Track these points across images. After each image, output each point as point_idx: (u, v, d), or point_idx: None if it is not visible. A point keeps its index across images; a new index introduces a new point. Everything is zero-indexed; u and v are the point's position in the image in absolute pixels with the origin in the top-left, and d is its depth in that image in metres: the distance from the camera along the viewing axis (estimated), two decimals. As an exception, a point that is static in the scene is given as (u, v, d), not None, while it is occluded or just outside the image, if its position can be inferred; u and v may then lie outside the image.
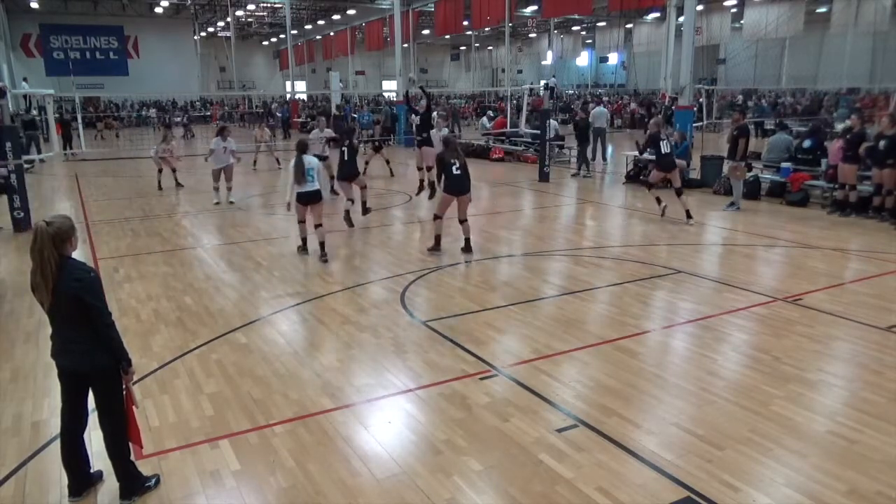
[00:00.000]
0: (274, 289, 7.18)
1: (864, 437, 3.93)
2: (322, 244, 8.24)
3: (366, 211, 10.66)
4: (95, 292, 3.18)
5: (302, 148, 8.19)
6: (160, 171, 14.48)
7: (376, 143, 17.27)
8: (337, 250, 8.89)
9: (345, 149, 10.02)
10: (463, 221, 8.38)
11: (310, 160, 8.08)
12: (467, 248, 8.40)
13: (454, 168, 8.09)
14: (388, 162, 16.08)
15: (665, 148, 10.24)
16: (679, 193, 10.24)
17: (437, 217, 8.38)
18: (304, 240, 8.58)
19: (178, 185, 14.53)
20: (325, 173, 13.25)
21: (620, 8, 23.16)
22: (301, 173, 7.95)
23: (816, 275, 7.38)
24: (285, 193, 8.77)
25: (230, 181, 12.64)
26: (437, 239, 8.45)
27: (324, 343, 5.61)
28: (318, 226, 8.24)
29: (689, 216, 10.13)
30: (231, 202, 12.49)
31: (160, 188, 14.23)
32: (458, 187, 8.17)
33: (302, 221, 8.44)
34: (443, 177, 8.18)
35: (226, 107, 41.01)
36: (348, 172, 9.98)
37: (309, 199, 8.15)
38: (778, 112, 27.89)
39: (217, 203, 12.40)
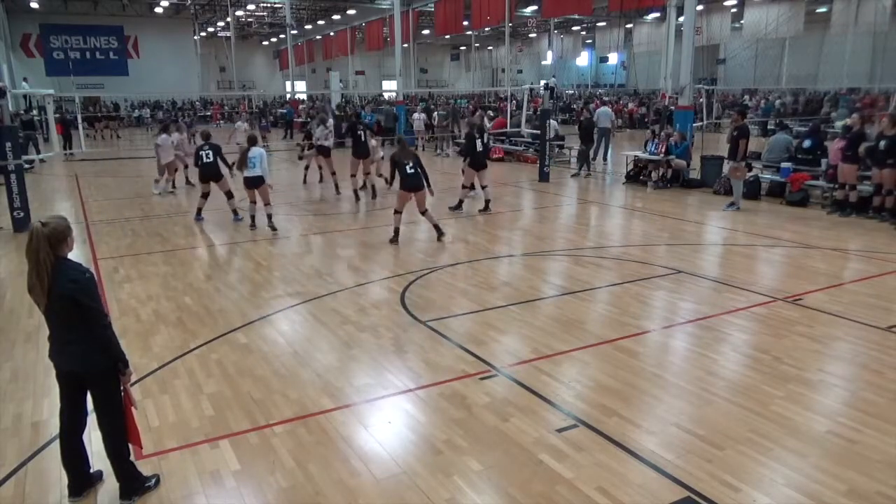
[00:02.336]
0: (274, 289, 7.18)
1: (864, 437, 3.93)
2: (269, 216, 9.98)
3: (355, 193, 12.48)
4: (91, 293, 3.16)
5: (252, 141, 9.89)
6: (171, 172, 13.85)
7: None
8: (337, 250, 8.90)
9: (360, 132, 12.29)
10: (424, 212, 9.24)
11: (254, 151, 9.69)
12: (440, 234, 9.24)
13: (408, 167, 8.91)
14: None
15: (479, 146, 11.16)
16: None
17: (396, 212, 9.20)
18: (253, 217, 10.26)
19: (188, 182, 14.80)
20: (327, 168, 13.62)
21: (620, 8, 23.15)
22: (244, 161, 9.65)
23: (816, 275, 7.38)
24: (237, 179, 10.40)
25: (173, 175, 13.80)
26: (396, 231, 9.21)
27: (324, 343, 5.61)
28: (266, 204, 9.94)
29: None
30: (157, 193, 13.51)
31: (188, 181, 14.81)
32: (414, 184, 8.99)
33: (253, 202, 10.18)
34: (398, 176, 9.03)
35: (225, 107, 40.99)
36: (363, 151, 12.35)
37: (253, 183, 9.80)
38: (778, 112, 27.89)
39: (159, 193, 13.50)
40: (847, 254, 8.35)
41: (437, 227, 9.27)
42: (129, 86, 40.09)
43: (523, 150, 18.98)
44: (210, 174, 10.59)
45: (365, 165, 12.67)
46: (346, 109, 28.19)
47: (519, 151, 19.13)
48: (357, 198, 12.42)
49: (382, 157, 13.78)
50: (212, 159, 10.46)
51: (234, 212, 10.91)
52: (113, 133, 30.74)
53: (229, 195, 10.83)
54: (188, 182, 14.76)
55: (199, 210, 10.89)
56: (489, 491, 3.47)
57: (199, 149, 10.71)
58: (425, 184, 9.07)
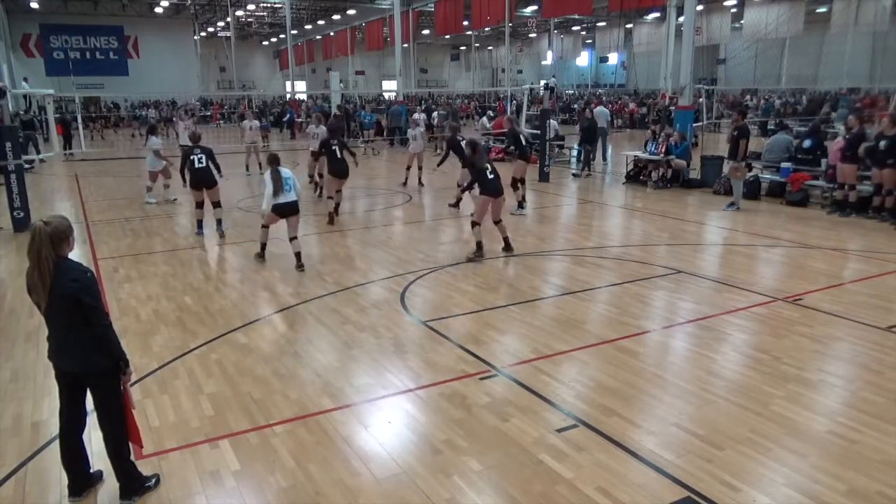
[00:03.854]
0: (274, 289, 7.18)
1: (864, 437, 3.93)
2: (298, 254, 7.90)
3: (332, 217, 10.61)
4: (92, 293, 3.17)
5: (275, 160, 7.89)
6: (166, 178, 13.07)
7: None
8: (337, 250, 8.90)
9: (335, 147, 10.39)
10: (498, 222, 8.45)
11: (286, 172, 7.81)
12: (509, 248, 8.44)
13: (488, 172, 8.18)
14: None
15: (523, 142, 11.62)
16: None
17: (475, 224, 8.29)
18: (264, 245, 8.28)
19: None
20: (314, 169, 13.31)
21: (620, 8, 23.18)
22: (279, 184, 7.67)
23: (816, 275, 7.38)
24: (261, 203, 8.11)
25: (168, 178, 12.77)
26: (479, 245, 8.26)
27: (324, 343, 5.61)
28: (293, 238, 7.93)
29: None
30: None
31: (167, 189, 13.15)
32: (495, 189, 8.22)
33: (265, 226, 8.15)
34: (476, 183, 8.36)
35: (225, 107, 40.96)
36: (339, 169, 10.47)
37: (285, 211, 7.81)
38: (778, 112, 27.91)
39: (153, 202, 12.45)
40: (847, 254, 8.35)
41: (507, 240, 8.45)
42: (129, 86, 40.12)
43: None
44: (203, 180, 9.41)
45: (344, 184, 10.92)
46: (346, 110, 28.12)
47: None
48: (330, 220, 10.44)
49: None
50: (204, 164, 9.40)
51: (200, 224, 9.77)
52: (111, 131, 30.67)
53: (218, 204, 9.68)
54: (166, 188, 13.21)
55: (200, 223, 9.84)
56: (489, 491, 3.47)
57: (190, 152, 9.60)
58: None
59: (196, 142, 9.86)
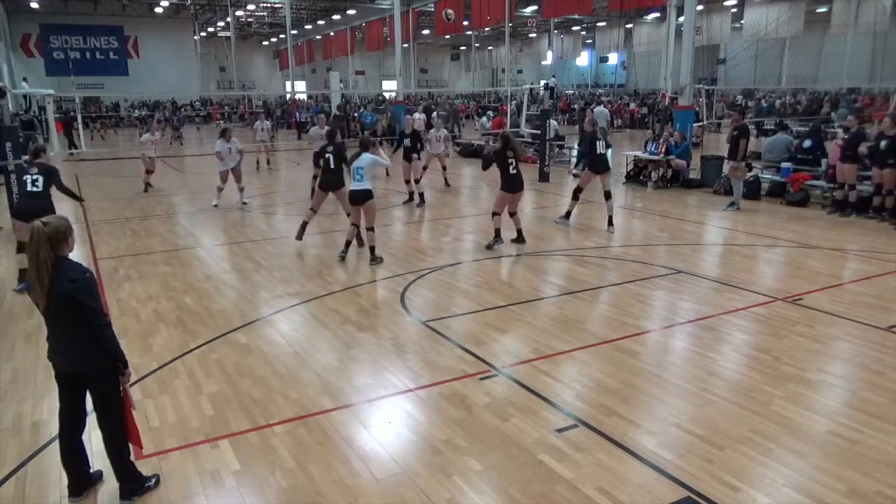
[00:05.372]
0: (274, 289, 7.18)
1: (864, 437, 3.93)
2: (372, 248, 8.10)
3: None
4: (91, 293, 3.16)
5: (364, 146, 8.19)
6: (148, 171, 14.11)
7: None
8: (337, 250, 8.88)
9: (329, 155, 8.68)
10: (513, 214, 8.90)
11: (361, 158, 7.95)
12: (521, 239, 8.90)
13: (511, 167, 8.59)
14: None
15: (600, 148, 9.69)
16: (607, 197, 9.74)
17: (495, 214, 8.79)
18: (348, 242, 8.26)
19: (148, 186, 14.09)
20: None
21: (620, 8, 23.15)
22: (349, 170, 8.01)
23: (816, 275, 7.38)
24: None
25: (240, 182, 12.14)
26: (497, 232, 8.79)
27: (324, 343, 5.61)
28: (369, 229, 8.08)
29: (610, 223, 9.71)
30: (244, 203, 12.16)
31: (146, 190, 13.93)
32: (515, 185, 8.72)
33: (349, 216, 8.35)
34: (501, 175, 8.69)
35: (225, 107, 40.96)
36: (332, 182, 8.76)
37: (354, 199, 8.00)
38: (778, 112, 27.91)
39: (216, 205, 11.98)
40: (847, 254, 8.35)
41: (520, 231, 8.86)
42: (129, 86, 40.12)
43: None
44: (30, 208, 6.59)
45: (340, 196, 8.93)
46: (346, 110, 28.10)
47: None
48: (299, 235, 8.97)
49: (448, 155, 14.00)
50: (40, 188, 7.05)
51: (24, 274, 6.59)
52: (111, 132, 30.66)
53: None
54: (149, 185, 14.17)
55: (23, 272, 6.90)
56: (489, 491, 3.47)
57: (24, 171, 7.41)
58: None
59: (35, 157, 7.44)
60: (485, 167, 9.13)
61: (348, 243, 8.26)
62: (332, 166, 8.65)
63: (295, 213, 11.62)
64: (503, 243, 8.76)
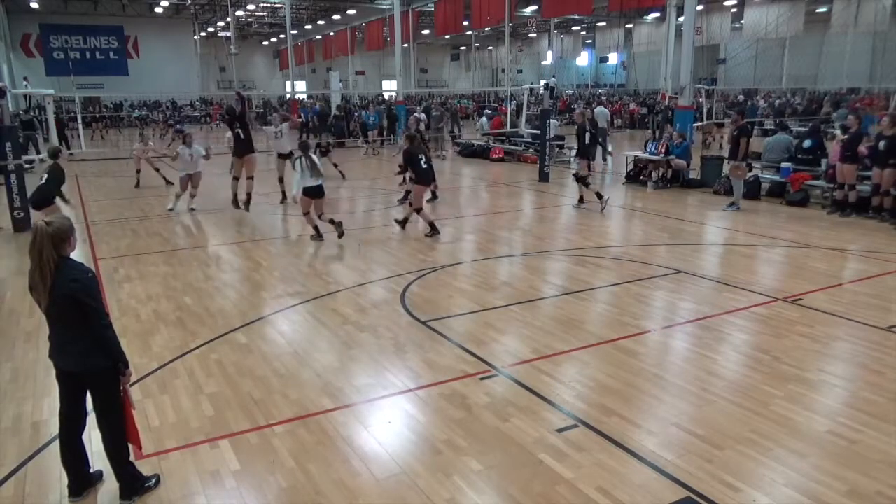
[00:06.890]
0: (274, 289, 7.18)
1: (864, 437, 3.93)
2: (339, 224, 9.20)
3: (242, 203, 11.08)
4: (92, 293, 3.17)
5: (305, 148, 9.11)
6: (138, 171, 14.83)
7: (323, 148, 16.70)
8: (337, 250, 8.89)
9: (299, 158, 8.92)
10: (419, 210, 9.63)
11: (317, 159, 9.05)
12: (434, 231, 9.50)
13: (422, 162, 9.48)
14: (336, 165, 15.65)
15: (587, 140, 11.34)
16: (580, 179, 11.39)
17: (418, 210, 9.54)
18: (316, 227, 9.29)
19: (167, 182, 14.74)
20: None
21: (620, 8, 23.17)
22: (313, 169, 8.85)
23: (816, 275, 7.38)
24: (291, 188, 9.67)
25: (196, 188, 11.79)
26: (432, 224, 9.49)
27: (324, 343, 5.61)
28: (321, 214, 9.22)
29: (599, 196, 11.26)
30: (192, 209, 11.71)
31: (137, 186, 14.59)
32: (429, 178, 9.90)
33: (307, 213, 9.23)
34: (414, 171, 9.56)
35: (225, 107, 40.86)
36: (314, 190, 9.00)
37: (313, 193, 9.00)
38: (778, 112, 27.90)
39: (171, 209, 11.68)
40: (847, 254, 8.35)
41: (432, 224, 9.53)
42: (129, 86, 40.06)
43: (523, 150, 18.98)
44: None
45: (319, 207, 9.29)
46: (346, 109, 28.07)
47: (519, 151, 19.13)
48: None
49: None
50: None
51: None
52: (110, 132, 30.64)
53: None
54: (166, 182, 14.74)
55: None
56: (489, 491, 3.47)
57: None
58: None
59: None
60: (405, 165, 9.87)
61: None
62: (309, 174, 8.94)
63: (295, 212, 11.61)
64: (439, 234, 9.41)
